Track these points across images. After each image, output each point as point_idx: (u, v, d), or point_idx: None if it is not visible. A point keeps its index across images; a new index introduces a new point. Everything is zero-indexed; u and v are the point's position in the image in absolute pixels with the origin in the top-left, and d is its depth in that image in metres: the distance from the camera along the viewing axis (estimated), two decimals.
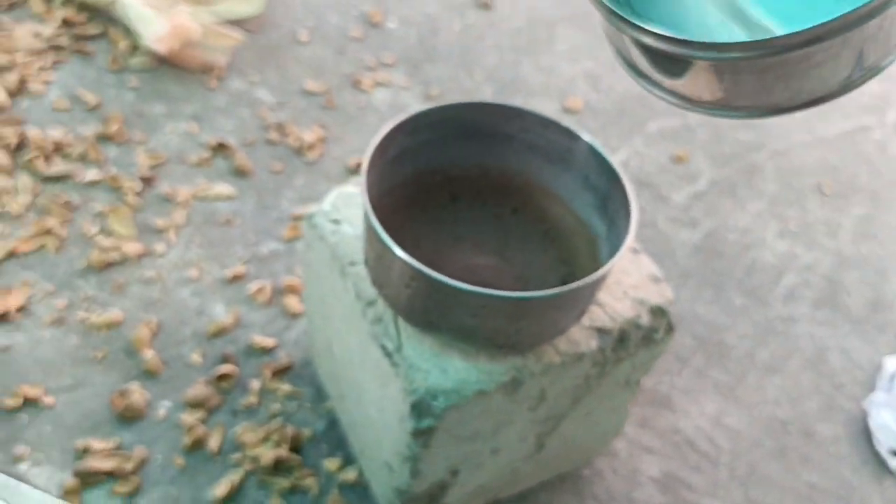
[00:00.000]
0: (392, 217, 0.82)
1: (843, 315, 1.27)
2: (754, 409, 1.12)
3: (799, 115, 1.61)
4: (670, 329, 0.81)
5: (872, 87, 1.71)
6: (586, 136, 0.77)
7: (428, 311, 0.67)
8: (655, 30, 0.37)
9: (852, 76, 0.39)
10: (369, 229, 0.67)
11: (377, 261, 0.69)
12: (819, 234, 1.39)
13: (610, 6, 0.39)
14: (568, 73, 1.61)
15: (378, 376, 0.75)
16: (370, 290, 0.75)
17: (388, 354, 0.71)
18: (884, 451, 1.10)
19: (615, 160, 0.76)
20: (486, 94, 1.53)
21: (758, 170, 1.48)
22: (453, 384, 0.69)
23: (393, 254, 0.64)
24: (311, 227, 0.84)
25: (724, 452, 1.07)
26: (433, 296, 0.64)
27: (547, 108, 1.53)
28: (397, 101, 1.50)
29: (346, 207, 0.83)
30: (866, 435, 1.12)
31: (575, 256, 0.82)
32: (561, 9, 1.77)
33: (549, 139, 0.80)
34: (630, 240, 0.68)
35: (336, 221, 0.82)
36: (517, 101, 1.53)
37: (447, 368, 0.70)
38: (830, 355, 1.21)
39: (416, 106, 1.49)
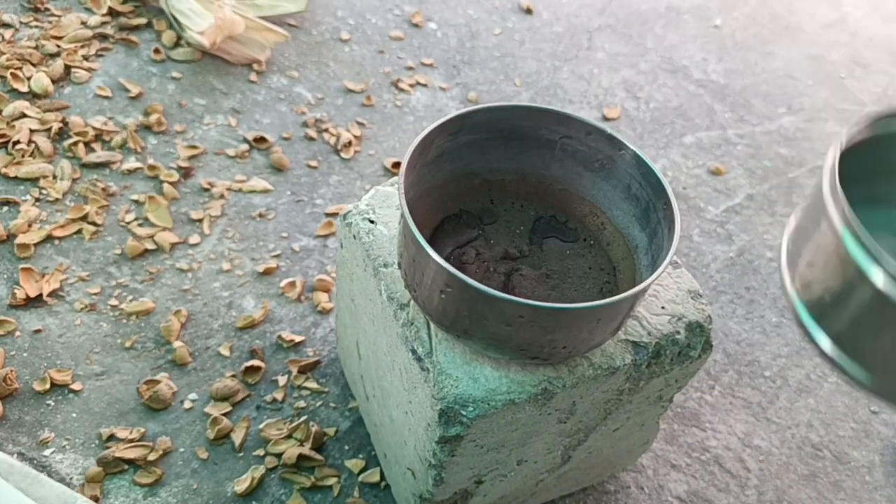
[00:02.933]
0: (429, 217, 0.81)
1: None
2: (786, 431, 1.10)
3: (841, 131, 1.58)
4: (708, 347, 0.79)
5: None
6: (631, 146, 0.76)
7: (461, 317, 0.66)
8: None
9: None
10: (405, 231, 0.66)
11: (411, 263, 0.68)
12: None
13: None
14: (606, 82, 1.59)
15: (406, 380, 0.74)
16: (403, 293, 0.74)
17: (418, 359, 0.71)
18: None
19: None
20: (524, 100, 1.52)
21: (797, 186, 1.45)
22: (483, 393, 0.68)
23: (428, 257, 0.63)
24: (345, 225, 0.83)
25: (753, 474, 1.05)
26: (467, 303, 0.64)
27: (585, 115, 1.51)
28: (435, 102, 1.50)
29: (382, 208, 0.83)
30: None
31: (613, 266, 0.81)
32: (602, 17, 1.76)
33: (592, 147, 0.79)
34: (672, 254, 0.66)
35: (371, 221, 0.81)
36: (555, 108, 1.52)
37: (478, 377, 0.69)
38: None
39: (453, 108, 1.49)
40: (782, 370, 1.17)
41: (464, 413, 0.68)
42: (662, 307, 0.79)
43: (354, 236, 0.81)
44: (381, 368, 0.84)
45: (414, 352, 0.71)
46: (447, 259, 0.79)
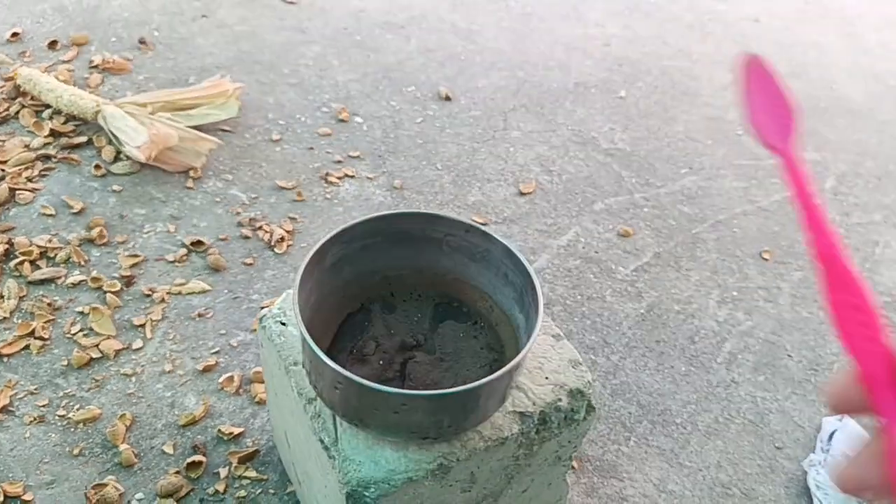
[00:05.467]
0: (333, 316, 0.91)
1: (782, 377, 1.35)
2: (697, 474, 1.19)
3: (739, 186, 1.72)
4: (591, 409, 0.89)
5: (811, 155, 1.82)
6: (501, 239, 0.86)
7: (357, 409, 0.75)
8: None
9: None
10: (302, 337, 0.76)
11: (310, 364, 0.77)
12: (759, 299, 1.48)
13: None
14: (522, 159, 1.72)
15: (320, 466, 0.83)
16: (310, 389, 0.83)
17: (325, 448, 0.79)
18: None
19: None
20: (446, 183, 1.64)
21: (700, 241, 1.58)
22: (384, 474, 0.77)
23: (318, 358, 0.72)
24: (262, 327, 0.92)
25: None
26: (357, 396, 0.73)
27: (502, 192, 1.64)
28: (363, 192, 1.61)
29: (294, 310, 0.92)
30: (807, 495, 1.18)
31: (501, 344, 0.90)
32: (516, 98, 1.90)
33: (471, 241, 0.90)
34: (533, 339, 0.76)
35: (283, 323, 0.90)
36: (474, 188, 1.64)
37: (379, 460, 0.78)
38: (771, 417, 1.28)
39: (380, 196, 1.60)
40: (692, 416, 1.27)
41: (367, 494, 0.76)
42: (546, 377, 0.88)
43: (269, 338, 0.90)
44: (303, 455, 0.92)
45: (322, 441, 0.80)
46: (350, 352, 0.88)
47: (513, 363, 0.74)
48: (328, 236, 0.84)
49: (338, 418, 0.81)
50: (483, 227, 0.88)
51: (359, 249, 0.90)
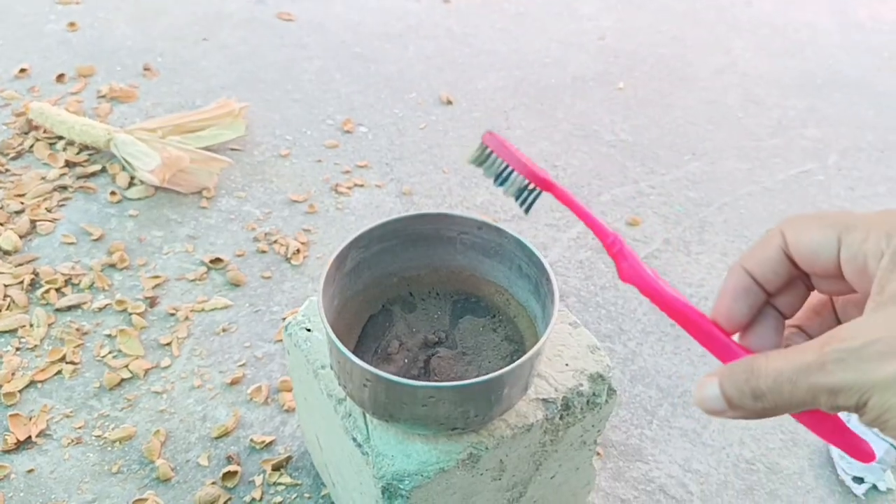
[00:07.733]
0: (356, 318, 0.94)
1: None
2: (721, 452, 1.21)
3: (742, 167, 1.74)
4: (612, 392, 0.91)
5: (812, 132, 1.84)
6: (513, 233, 0.89)
7: (386, 404, 0.77)
8: None
9: None
10: (329, 340, 0.79)
11: (338, 366, 0.80)
12: None
13: None
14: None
15: (354, 464, 0.85)
16: (339, 390, 0.86)
17: (358, 445, 0.82)
18: (848, 479, 1.18)
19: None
20: (453, 185, 1.67)
21: (708, 224, 1.60)
22: (417, 466, 0.79)
23: (346, 358, 0.75)
24: (288, 335, 0.96)
25: (696, 496, 1.15)
26: (387, 392, 0.75)
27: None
28: (373, 200, 1.64)
29: (317, 316, 0.95)
30: (830, 465, 1.20)
31: (520, 335, 0.93)
32: (515, 97, 1.93)
33: (484, 238, 0.92)
34: (551, 326, 0.79)
35: (308, 329, 0.93)
36: (482, 188, 1.67)
37: (410, 453, 0.80)
38: None
39: (390, 202, 1.63)
40: None
41: (402, 487, 0.79)
42: (566, 364, 0.91)
43: (295, 344, 0.93)
44: (335, 456, 0.95)
45: (354, 440, 0.83)
46: (374, 352, 0.91)
47: (533, 350, 0.76)
48: (346, 242, 0.87)
49: (368, 416, 0.84)
50: (495, 223, 0.90)
51: (376, 253, 0.93)
